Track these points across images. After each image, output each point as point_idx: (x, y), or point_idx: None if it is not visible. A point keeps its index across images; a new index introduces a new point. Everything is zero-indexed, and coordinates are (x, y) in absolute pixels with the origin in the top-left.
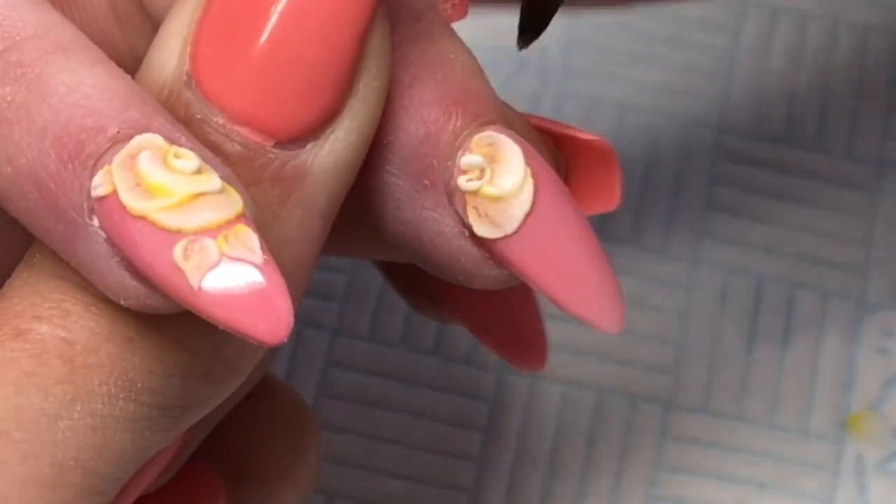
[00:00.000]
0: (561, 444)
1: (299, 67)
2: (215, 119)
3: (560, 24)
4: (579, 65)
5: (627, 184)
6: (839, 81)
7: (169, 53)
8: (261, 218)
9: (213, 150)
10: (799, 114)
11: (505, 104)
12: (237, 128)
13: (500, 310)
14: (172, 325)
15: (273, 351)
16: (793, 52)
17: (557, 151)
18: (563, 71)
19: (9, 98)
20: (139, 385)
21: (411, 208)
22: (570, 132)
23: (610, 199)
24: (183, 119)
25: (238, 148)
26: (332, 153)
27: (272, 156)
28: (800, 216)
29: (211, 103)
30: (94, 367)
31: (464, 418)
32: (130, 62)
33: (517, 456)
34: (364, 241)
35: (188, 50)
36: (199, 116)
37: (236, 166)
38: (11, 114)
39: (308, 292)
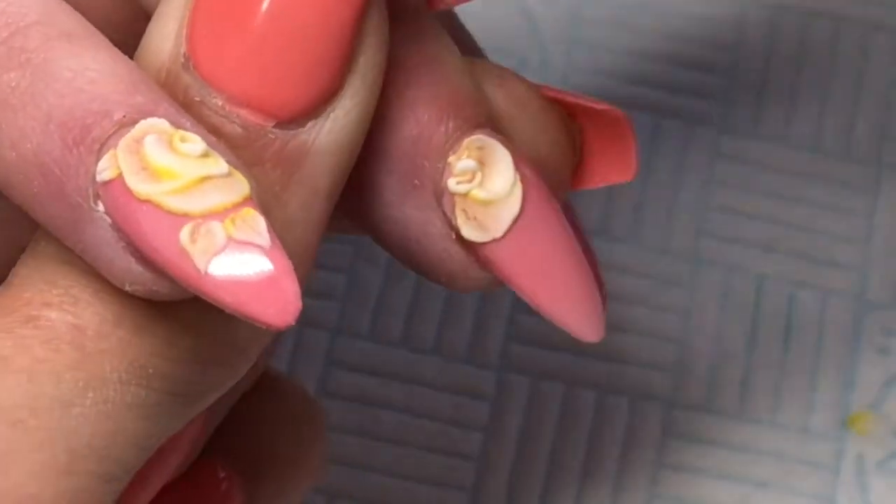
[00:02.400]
0: (561, 444)
1: (297, 46)
2: (214, 101)
3: (560, 24)
4: (579, 63)
5: (628, 183)
6: (839, 81)
7: (165, 36)
8: (263, 199)
9: (213, 133)
10: (799, 113)
11: (487, 100)
12: (236, 109)
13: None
14: (183, 310)
15: (276, 341)
16: (793, 50)
17: (571, 122)
18: (564, 69)
19: (13, 84)
20: (151, 371)
21: (400, 208)
22: (584, 101)
23: (626, 168)
24: (182, 102)
25: (238, 130)
26: (332, 132)
27: (273, 136)
28: (800, 216)
29: (209, 85)
30: (105, 353)
31: (464, 418)
32: (132, 44)
33: (517, 455)
34: (349, 227)
35: (184, 32)
36: (197, 99)
37: (237, 148)
38: (16, 99)
39: (308, 292)
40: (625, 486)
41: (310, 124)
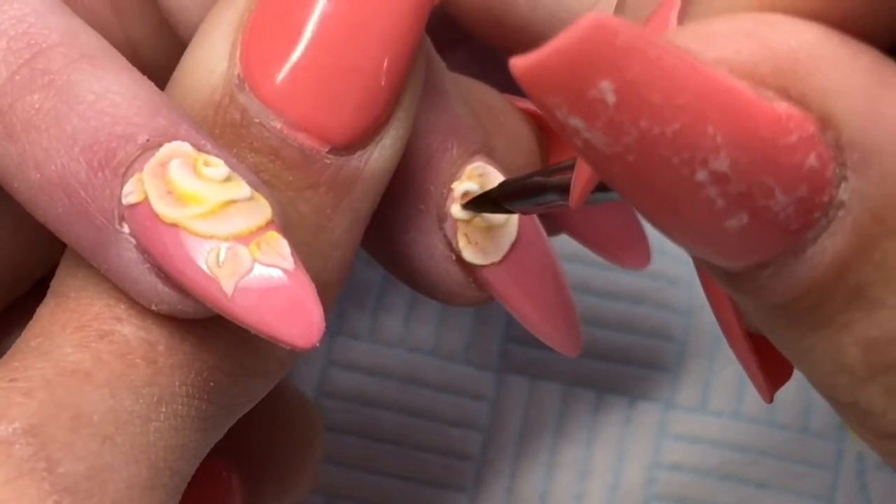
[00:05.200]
0: (561, 444)
1: (360, 76)
2: (273, 124)
3: None
4: None
5: None
6: None
7: (216, 56)
8: (315, 221)
9: (270, 155)
10: None
11: (479, 125)
12: (295, 133)
13: (601, 216)
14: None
15: None
16: None
17: (540, 132)
18: None
19: (37, 105)
20: (211, 384)
21: (405, 230)
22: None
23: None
24: (239, 122)
25: (296, 153)
26: (380, 160)
27: (328, 161)
28: None
29: (269, 108)
30: (175, 367)
31: (464, 418)
32: (127, 48)
33: (517, 456)
34: None
35: (238, 53)
36: (257, 120)
37: (294, 170)
38: (40, 121)
39: None
40: (623, 485)
41: (360, 152)
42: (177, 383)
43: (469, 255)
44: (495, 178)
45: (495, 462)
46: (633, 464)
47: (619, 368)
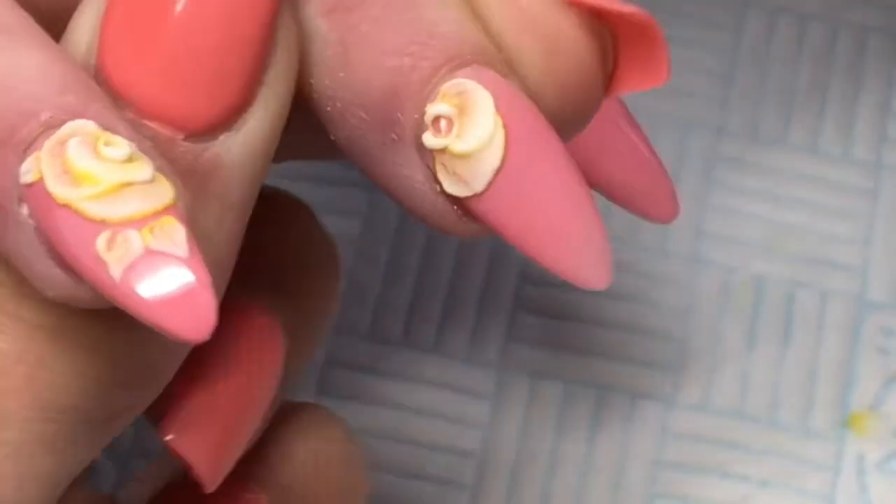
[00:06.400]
0: (561, 442)
1: (204, 60)
2: (125, 112)
3: None
4: None
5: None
6: (837, 82)
7: (79, 45)
8: None
9: None
10: (798, 114)
11: (479, 33)
12: (146, 122)
13: (624, 167)
14: (87, 335)
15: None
16: (792, 52)
17: (602, 28)
18: None
19: None
20: (57, 404)
21: (382, 163)
22: (609, 6)
23: (658, 72)
24: None
25: (148, 143)
26: (245, 144)
27: (183, 149)
28: (799, 216)
29: (119, 97)
30: (8, 391)
31: (464, 417)
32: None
33: (517, 454)
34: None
35: (95, 42)
36: None
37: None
38: None
39: None
40: (624, 485)
41: (222, 137)
42: (11, 407)
43: (450, 186)
44: (477, 94)
45: (496, 460)
46: (635, 462)
47: (619, 368)
